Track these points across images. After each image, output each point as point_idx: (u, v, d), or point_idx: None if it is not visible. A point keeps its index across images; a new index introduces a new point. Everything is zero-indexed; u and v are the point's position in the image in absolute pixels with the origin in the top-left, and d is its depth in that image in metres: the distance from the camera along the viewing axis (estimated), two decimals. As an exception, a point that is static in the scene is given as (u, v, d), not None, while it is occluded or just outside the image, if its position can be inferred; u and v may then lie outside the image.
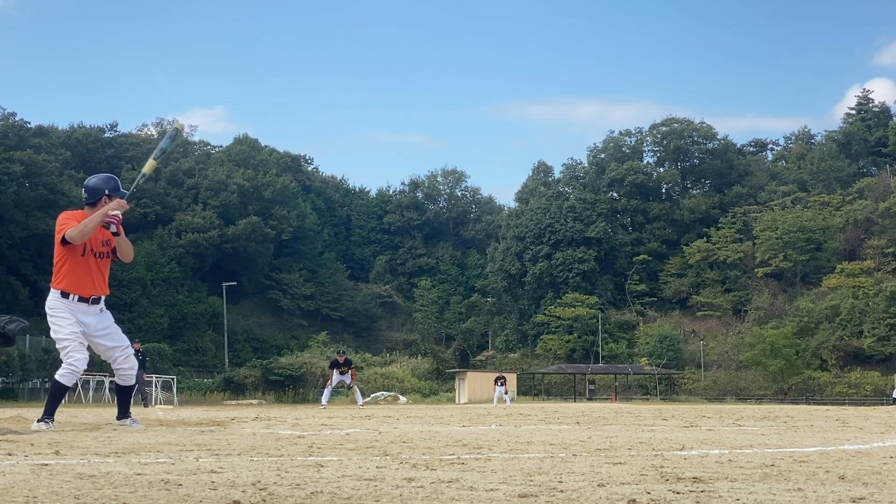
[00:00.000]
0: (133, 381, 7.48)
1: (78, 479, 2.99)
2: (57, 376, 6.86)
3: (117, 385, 7.54)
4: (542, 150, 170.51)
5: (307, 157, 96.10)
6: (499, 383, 33.59)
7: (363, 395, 24.12)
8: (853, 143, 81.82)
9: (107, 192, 6.96)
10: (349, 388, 22.17)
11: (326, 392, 22.31)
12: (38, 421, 6.72)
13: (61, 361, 6.89)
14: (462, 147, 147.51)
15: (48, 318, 6.91)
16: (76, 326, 6.87)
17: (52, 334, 6.96)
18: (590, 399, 55.22)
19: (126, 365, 7.26)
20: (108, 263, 7.16)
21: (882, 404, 40.35)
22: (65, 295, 6.88)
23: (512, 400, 35.13)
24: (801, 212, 73.81)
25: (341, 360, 21.72)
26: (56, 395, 6.97)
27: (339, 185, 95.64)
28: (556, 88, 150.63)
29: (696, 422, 8.49)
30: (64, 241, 6.76)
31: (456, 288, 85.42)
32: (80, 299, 6.92)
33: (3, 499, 2.54)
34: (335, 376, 21.58)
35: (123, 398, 7.58)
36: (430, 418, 9.84)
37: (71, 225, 6.76)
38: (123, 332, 7.73)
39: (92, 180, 7.09)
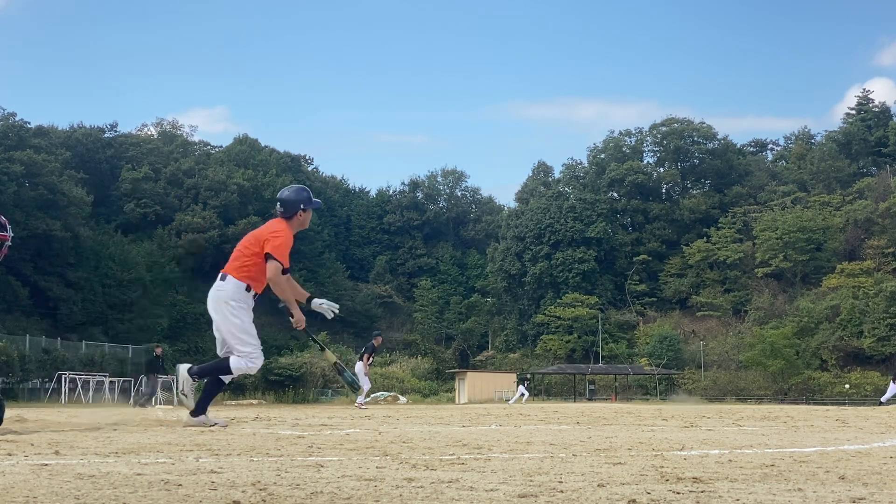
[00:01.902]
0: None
1: (78, 479, 2.99)
2: (232, 365, 6.79)
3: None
4: (542, 150, 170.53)
5: (307, 158, 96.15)
6: (523, 383, 35.34)
7: (365, 396, 23.54)
8: (853, 143, 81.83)
9: (302, 205, 7.01)
10: (365, 374, 19.20)
11: (366, 382, 19.06)
12: (193, 415, 6.82)
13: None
14: (462, 147, 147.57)
15: (226, 307, 6.83)
16: (254, 327, 6.88)
17: (231, 324, 6.82)
18: (590, 399, 55.22)
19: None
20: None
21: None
22: (248, 289, 6.89)
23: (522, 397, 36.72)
24: (801, 212, 73.81)
25: (378, 343, 19.45)
26: (215, 390, 6.99)
27: (339, 186, 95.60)
28: (557, 89, 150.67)
29: (696, 422, 8.49)
30: (268, 256, 6.81)
31: (456, 288, 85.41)
32: (255, 296, 6.98)
33: (3, 499, 2.54)
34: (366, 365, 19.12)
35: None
36: (430, 418, 9.83)
37: (283, 241, 6.87)
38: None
39: (285, 192, 7.10)
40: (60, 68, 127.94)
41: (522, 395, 37.18)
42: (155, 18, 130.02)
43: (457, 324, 79.67)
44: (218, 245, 70.54)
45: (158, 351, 24.72)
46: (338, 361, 7.35)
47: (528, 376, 42.38)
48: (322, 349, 7.50)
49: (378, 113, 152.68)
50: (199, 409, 6.95)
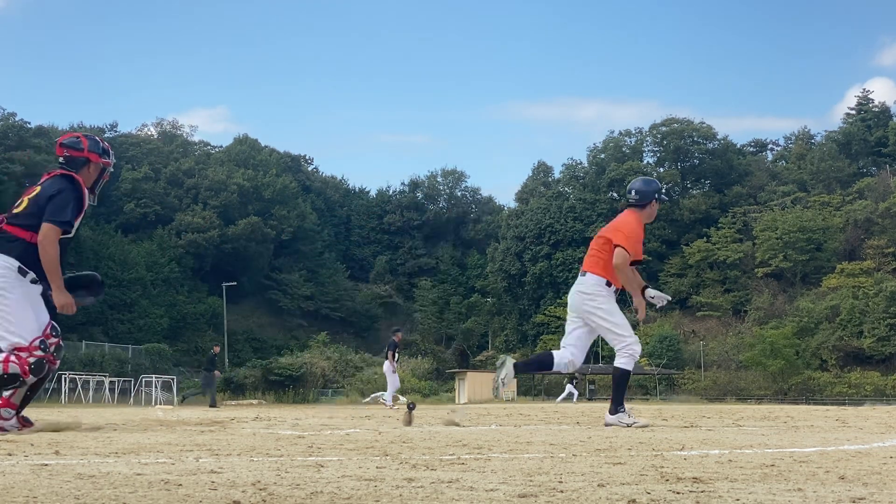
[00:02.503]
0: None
1: (78, 479, 2.99)
2: (620, 364, 7.03)
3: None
4: (542, 150, 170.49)
5: (307, 158, 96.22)
6: (571, 381, 36.70)
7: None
8: (853, 143, 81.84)
9: (656, 196, 7.30)
10: (393, 373, 19.34)
11: (395, 380, 19.30)
12: (613, 413, 6.96)
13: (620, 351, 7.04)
14: (462, 147, 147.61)
15: (593, 302, 7.06)
16: (623, 316, 7.11)
17: (603, 320, 7.07)
18: (590, 399, 55.21)
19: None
20: None
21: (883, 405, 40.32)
22: (608, 284, 7.08)
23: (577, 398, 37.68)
24: (801, 212, 73.82)
25: (398, 339, 19.45)
26: (623, 383, 7.12)
27: (339, 185, 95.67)
28: (557, 89, 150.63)
29: (696, 422, 8.50)
30: (631, 260, 7.02)
31: (456, 288, 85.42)
32: (616, 291, 7.18)
33: (3, 499, 2.54)
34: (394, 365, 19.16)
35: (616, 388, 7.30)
36: (430, 418, 9.84)
37: (632, 232, 7.05)
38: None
39: (638, 184, 7.37)
40: (60, 68, 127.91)
41: (571, 394, 37.66)
42: (155, 18, 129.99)
43: (457, 324, 79.69)
44: (218, 245, 70.56)
45: (216, 349, 25.95)
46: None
47: (576, 374, 42.75)
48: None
49: (378, 113, 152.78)
50: (615, 406, 7.06)
